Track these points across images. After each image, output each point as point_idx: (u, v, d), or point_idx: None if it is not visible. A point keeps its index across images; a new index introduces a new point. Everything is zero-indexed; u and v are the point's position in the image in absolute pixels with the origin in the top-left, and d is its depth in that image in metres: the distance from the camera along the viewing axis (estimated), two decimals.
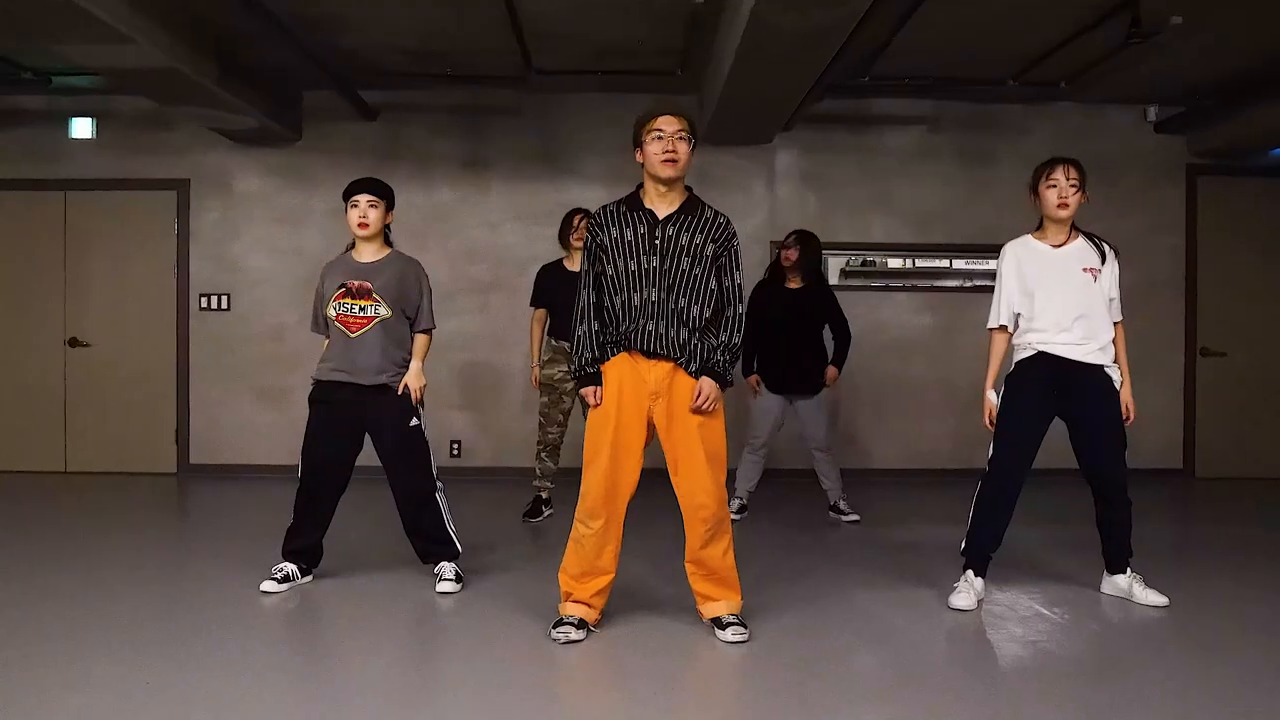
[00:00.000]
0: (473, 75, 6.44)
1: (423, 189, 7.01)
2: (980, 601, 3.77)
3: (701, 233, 3.20)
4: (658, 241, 3.17)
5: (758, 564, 4.43)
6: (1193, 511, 6.32)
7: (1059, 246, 3.75)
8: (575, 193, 6.89)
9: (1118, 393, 3.72)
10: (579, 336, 3.30)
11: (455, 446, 7.02)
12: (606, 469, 3.22)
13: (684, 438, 3.20)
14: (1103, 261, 3.73)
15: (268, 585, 3.82)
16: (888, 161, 7.10)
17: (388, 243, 3.97)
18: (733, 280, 3.26)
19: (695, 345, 3.20)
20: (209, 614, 3.57)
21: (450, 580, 3.87)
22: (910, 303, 7.17)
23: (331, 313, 3.79)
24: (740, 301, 3.27)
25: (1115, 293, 3.75)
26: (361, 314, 3.78)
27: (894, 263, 7.18)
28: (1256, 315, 7.22)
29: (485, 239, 7.02)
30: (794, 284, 5.43)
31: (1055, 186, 3.69)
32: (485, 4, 5.20)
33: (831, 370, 5.45)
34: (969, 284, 7.19)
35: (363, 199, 3.80)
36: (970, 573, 3.82)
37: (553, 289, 5.34)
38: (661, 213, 3.21)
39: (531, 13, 5.38)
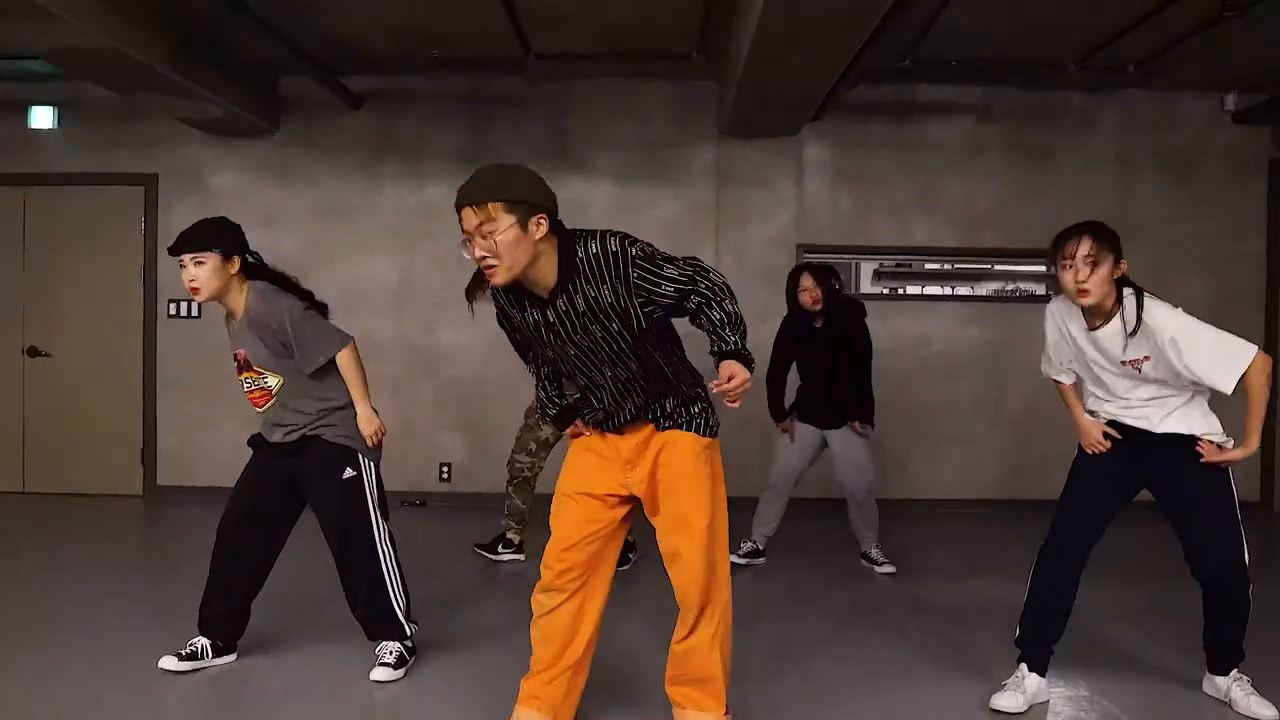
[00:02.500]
0: (466, 60, 5.77)
1: (413, 185, 6.37)
2: (1034, 705, 3.06)
3: (591, 283, 2.38)
4: (561, 323, 2.44)
5: (764, 625, 3.78)
6: (1275, 554, 5.54)
7: (1094, 329, 2.97)
8: (582, 190, 6.21)
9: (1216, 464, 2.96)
10: (538, 396, 2.82)
11: (444, 469, 6.37)
12: (562, 527, 2.63)
13: (669, 498, 2.58)
14: (1129, 337, 2.88)
15: (167, 662, 3.17)
16: (931, 156, 6.35)
17: (252, 276, 3.14)
18: (665, 277, 2.38)
19: (669, 402, 2.58)
20: (106, 695, 2.97)
21: (389, 666, 3.19)
22: (957, 313, 6.43)
23: (244, 388, 3.21)
24: (699, 277, 2.39)
25: (1195, 373, 2.83)
26: (256, 386, 3.16)
27: (936, 267, 6.46)
28: None
29: None
30: (820, 322, 4.69)
31: (1070, 268, 2.88)
32: None
33: (862, 426, 4.69)
34: (1023, 292, 6.45)
35: (186, 259, 3.01)
36: (1024, 666, 3.12)
37: None
38: (545, 291, 2.43)
39: None
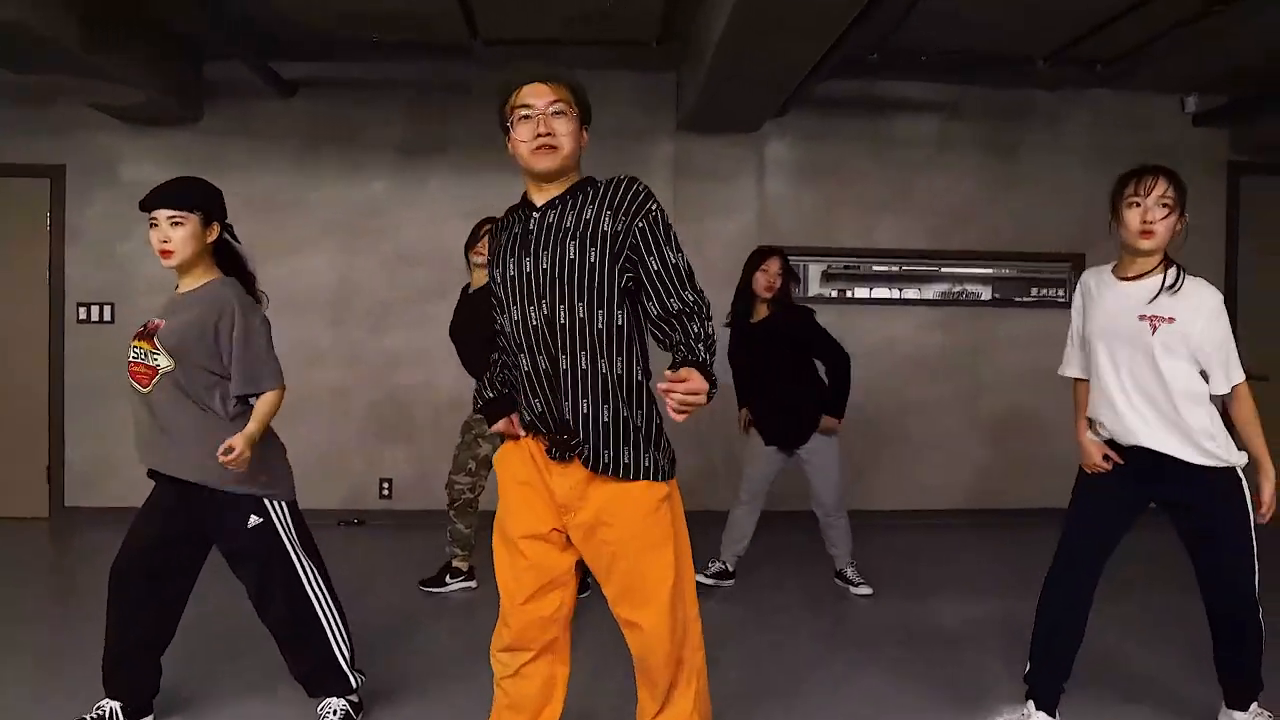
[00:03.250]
0: (408, 45, 5.38)
1: (351, 180, 5.92)
2: None
3: (593, 204, 2.17)
4: (532, 235, 2.20)
5: (739, 655, 3.54)
6: None
7: (1127, 280, 2.78)
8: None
9: (1237, 487, 2.75)
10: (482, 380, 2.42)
11: (385, 486, 5.94)
12: (511, 581, 2.28)
13: (618, 563, 2.20)
14: (1170, 290, 2.69)
15: None
16: (899, 153, 6.14)
17: (224, 268, 2.83)
18: (666, 255, 2.15)
19: (609, 411, 2.15)
20: None
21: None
22: (923, 318, 6.23)
23: (127, 357, 2.75)
24: (693, 285, 2.16)
25: (1207, 349, 2.68)
26: (140, 360, 2.71)
27: (887, 269, 6.27)
28: None
29: (425, 239, 5.94)
30: (761, 312, 4.41)
31: (1138, 205, 2.71)
32: None
33: (829, 420, 4.38)
34: (969, 295, 6.30)
35: (161, 216, 2.68)
36: (1031, 704, 2.89)
37: (457, 317, 4.40)
38: (540, 200, 2.25)
39: None
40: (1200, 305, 2.67)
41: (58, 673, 3.28)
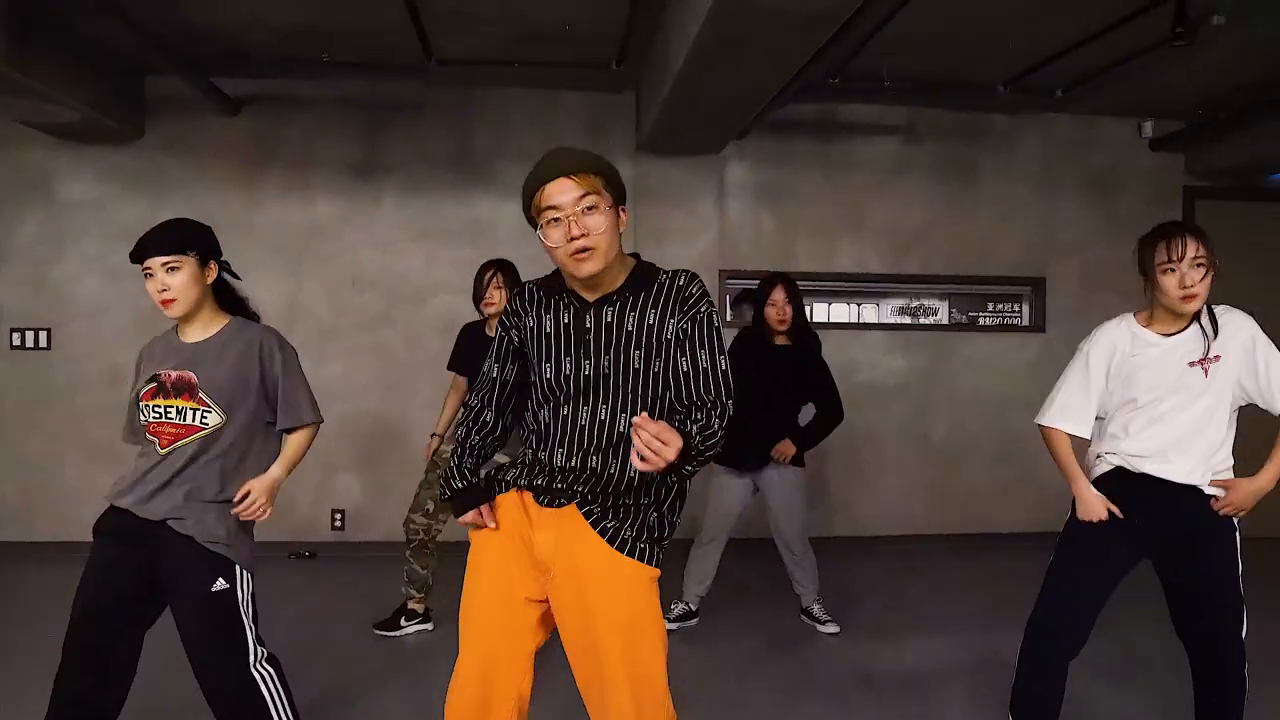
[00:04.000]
0: (361, 63, 5.21)
1: (299, 200, 5.72)
2: None
3: (656, 307, 2.06)
4: (589, 334, 2.06)
5: (705, 702, 3.43)
6: None
7: (1171, 335, 2.73)
8: (486, 206, 5.70)
9: (1229, 528, 2.70)
10: (457, 444, 2.25)
11: (338, 517, 5.75)
12: (470, 655, 2.08)
13: (594, 649, 2.01)
14: (1214, 339, 2.67)
15: None
16: (856, 176, 6.09)
17: (227, 309, 2.68)
18: (713, 363, 2.04)
19: (625, 501, 2.04)
20: None
21: None
22: (880, 342, 6.18)
23: (142, 419, 2.56)
24: (729, 393, 2.03)
25: (1272, 372, 2.65)
26: (177, 420, 2.52)
27: (846, 293, 6.23)
28: None
29: (375, 262, 5.76)
30: (781, 340, 4.27)
31: (1173, 271, 2.64)
32: None
33: (787, 445, 4.23)
34: (926, 309, 6.28)
35: (155, 264, 2.52)
36: None
37: (471, 356, 4.10)
38: (593, 295, 2.10)
39: None
40: (1245, 338, 2.68)
41: None
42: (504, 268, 4.09)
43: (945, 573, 5.49)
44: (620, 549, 2.02)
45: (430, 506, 4.18)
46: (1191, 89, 5.63)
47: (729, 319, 5.97)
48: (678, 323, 2.05)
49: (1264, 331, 2.72)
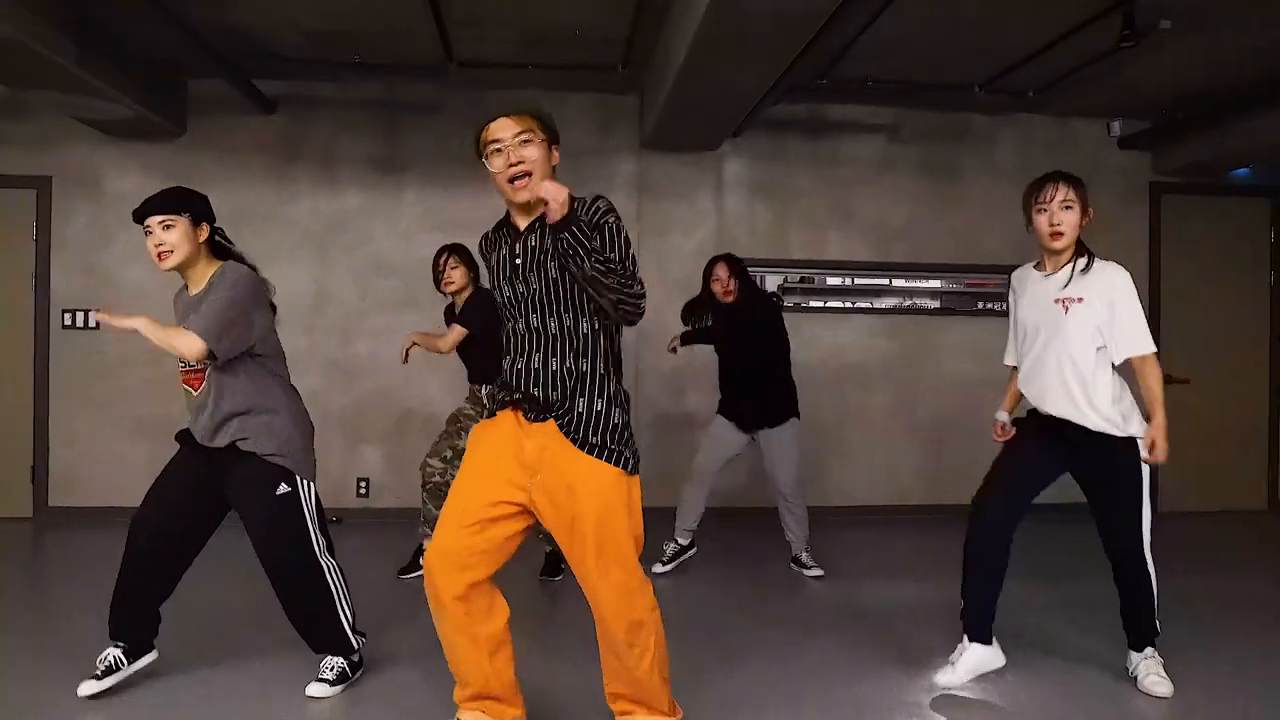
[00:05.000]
0: (385, 64, 5.68)
1: (327, 193, 6.20)
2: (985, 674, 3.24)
3: (557, 231, 2.43)
4: (519, 260, 2.52)
5: (705, 631, 3.84)
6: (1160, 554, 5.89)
7: (1049, 274, 3.24)
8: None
9: (1135, 454, 3.14)
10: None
11: (362, 485, 6.20)
12: (452, 543, 2.47)
13: (575, 536, 2.47)
14: (1081, 285, 3.13)
15: (86, 687, 2.98)
16: (845, 172, 6.55)
17: (221, 256, 3.10)
18: (621, 255, 2.46)
19: (584, 400, 2.48)
20: None
21: (326, 681, 3.10)
22: (869, 326, 6.62)
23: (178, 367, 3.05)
24: (633, 262, 2.48)
25: (1122, 322, 3.10)
26: (195, 366, 3.00)
27: (836, 281, 6.64)
28: (1220, 341, 6.86)
29: (397, 251, 6.23)
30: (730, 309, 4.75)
31: (1044, 211, 3.17)
32: None
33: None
34: (925, 305, 6.70)
35: (153, 223, 2.96)
36: (965, 639, 3.26)
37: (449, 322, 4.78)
38: (523, 224, 2.57)
39: None
40: (1111, 284, 3.11)
41: (43, 668, 3.38)
42: (456, 250, 4.65)
43: (926, 536, 5.91)
44: (590, 453, 2.46)
45: (449, 454, 4.62)
46: (1156, 90, 6.05)
47: None
48: (581, 230, 2.38)
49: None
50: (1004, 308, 6.63)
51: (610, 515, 2.45)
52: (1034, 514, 3.32)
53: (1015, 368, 3.40)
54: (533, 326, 2.51)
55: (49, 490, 6.00)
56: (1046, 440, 3.21)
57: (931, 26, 5.09)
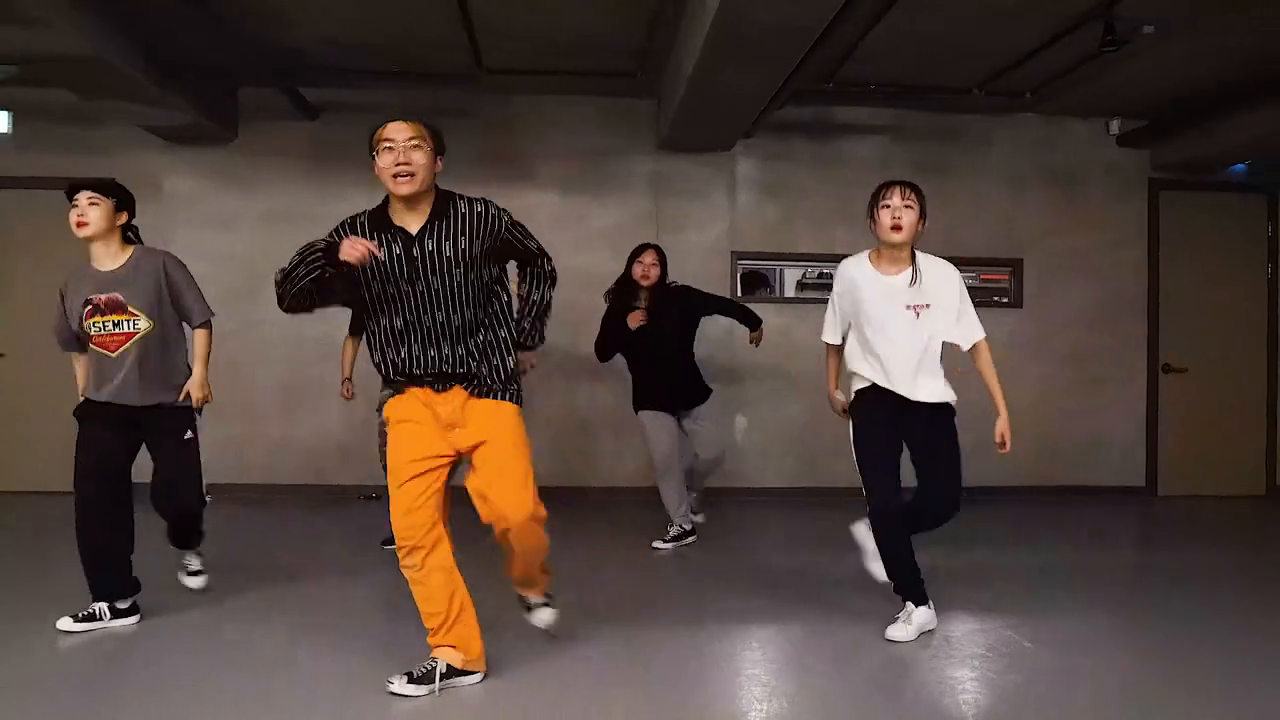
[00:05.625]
0: (420, 73, 6.13)
1: (367, 195, 6.55)
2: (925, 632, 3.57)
3: (461, 232, 2.88)
4: (417, 261, 2.86)
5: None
6: (1152, 532, 6.21)
7: (890, 275, 3.55)
8: (528, 199, 6.58)
9: (953, 418, 3.58)
10: (289, 282, 2.88)
11: None
12: (403, 499, 2.90)
13: (486, 460, 2.94)
14: (921, 290, 3.51)
15: (63, 622, 3.46)
16: (849, 171, 6.91)
17: (129, 241, 3.65)
18: (528, 247, 3.06)
19: (485, 365, 2.96)
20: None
21: (201, 574, 3.89)
22: None
23: (87, 333, 3.50)
24: (547, 257, 3.12)
25: (966, 314, 3.56)
26: (117, 330, 3.48)
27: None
28: (1218, 331, 7.16)
29: None
30: (632, 323, 5.02)
31: (888, 208, 3.50)
32: None
33: (759, 331, 5.34)
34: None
35: (81, 197, 3.47)
36: (909, 605, 3.58)
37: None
38: (414, 227, 2.88)
39: (483, 6, 5.09)
40: (948, 280, 3.55)
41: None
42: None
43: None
44: (490, 397, 2.96)
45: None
46: (1149, 90, 6.35)
47: (738, 294, 6.80)
48: (489, 240, 2.90)
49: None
50: (997, 300, 7.09)
51: (515, 433, 2.97)
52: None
53: (836, 345, 3.74)
54: (437, 320, 2.88)
55: None
56: (887, 418, 3.55)
57: (927, 32, 5.44)
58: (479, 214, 2.92)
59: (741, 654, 3.46)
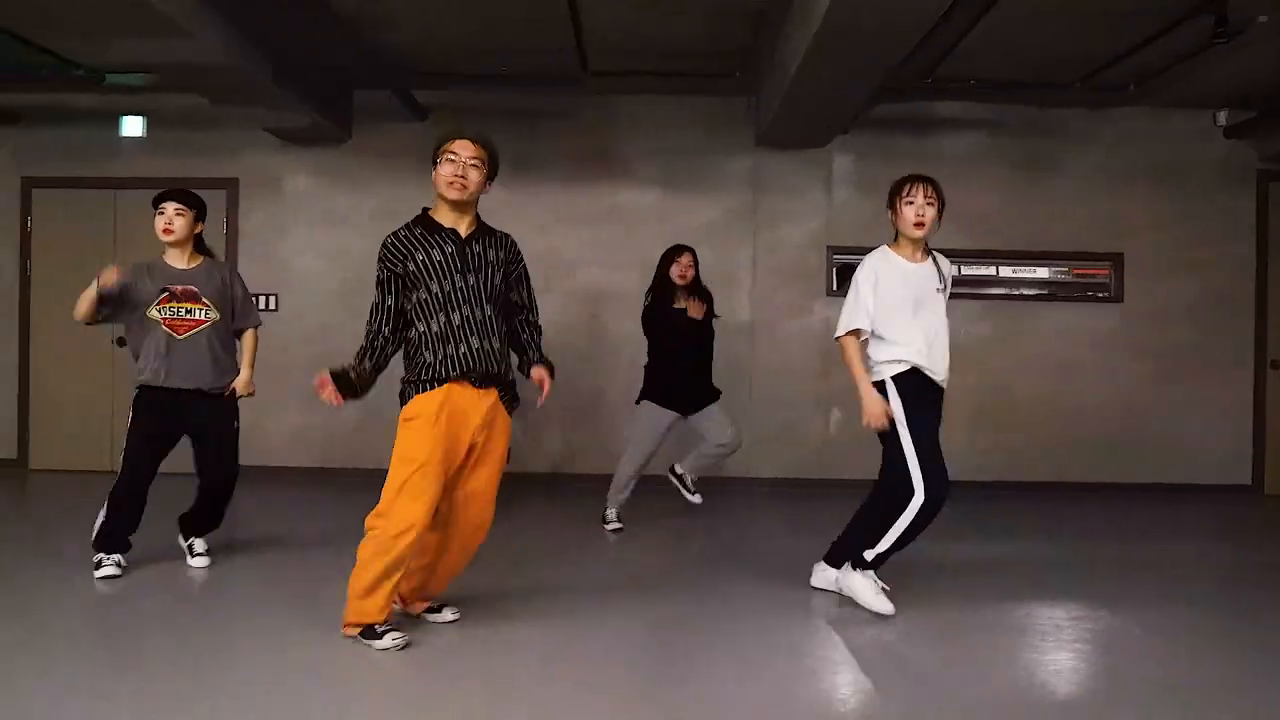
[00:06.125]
0: (527, 76, 6.34)
1: None
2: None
3: (497, 250, 3.30)
4: (469, 258, 3.22)
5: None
6: (1261, 529, 6.09)
7: (919, 264, 3.72)
8: (628, 196, 6.77)
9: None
10: (364, 354, 3.34)
11: None
12: (432, 499, 3.14)
13: (490, 461, 3.27)
14: (942, 279, 3.76)
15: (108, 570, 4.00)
16: (946, 166, 6.87)
17: (200, 251, 4.20)
18: (529, 291, 3.48)
19: (506, 368, 3.31)
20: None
21: (205, 554, 4.28)
22: (964, 311, 6.96)
23: (156, 315, 3.97)
24: (535, 310, 3.51)
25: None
26: (189, 317, 4.02)
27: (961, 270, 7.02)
28: None
29: (534, 242, 6.82)
30: (696, 314, 5.20)
31: (911, 204, 3.65)
32: (548, 3, 5.09)
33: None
34: (1024, 292, 7.01)
35: (169, 207, 4.02)
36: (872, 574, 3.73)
37: None
38: (464, 231, 3.25)
39: (593, 11, 5.27)
40: (949, 272, 3.82)
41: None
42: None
43: (1006, 516, 6.22)
44: (508, 408, 3.34)
45: None
46: (1261, 81, 6.21)
47: (834, 288, 6.87)
48: (511, 266, 3.36)
49: None
50: (1098, 294, 7.00)
51: (506, 443, 3.34)
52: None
53: (856, 332, 3.70)
54: (477, 316, 3.18)
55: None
56: (930, 403, 3.68)
57: (1031, 27, 5.43)
58: (511, 243, 3.38)
59: (868, 631, 3.57)
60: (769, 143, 6.67)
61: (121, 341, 6.88)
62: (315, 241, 6.90)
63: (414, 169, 6.87)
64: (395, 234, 3.28)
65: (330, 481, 6.60)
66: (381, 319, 3.28)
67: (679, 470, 5.59)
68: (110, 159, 6.92)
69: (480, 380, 3.20)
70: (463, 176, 3.16)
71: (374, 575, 3.12)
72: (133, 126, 6.83)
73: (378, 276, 3.27)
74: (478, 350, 3.18)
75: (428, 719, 2.77)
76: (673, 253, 5.29)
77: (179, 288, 4.03)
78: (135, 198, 6.89)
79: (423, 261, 3.19)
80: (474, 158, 3.18)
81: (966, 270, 6.84)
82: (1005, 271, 7.01)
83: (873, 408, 3.61)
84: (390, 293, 3.26)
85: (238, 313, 4.21)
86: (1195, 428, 6.92)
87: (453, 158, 3.17)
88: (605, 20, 5.39)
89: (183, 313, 4.02)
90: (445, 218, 3.26)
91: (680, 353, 5.22)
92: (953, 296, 6.86)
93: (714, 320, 5.36)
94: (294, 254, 6.88)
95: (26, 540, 5.11)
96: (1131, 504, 6.39)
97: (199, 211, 4.12)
